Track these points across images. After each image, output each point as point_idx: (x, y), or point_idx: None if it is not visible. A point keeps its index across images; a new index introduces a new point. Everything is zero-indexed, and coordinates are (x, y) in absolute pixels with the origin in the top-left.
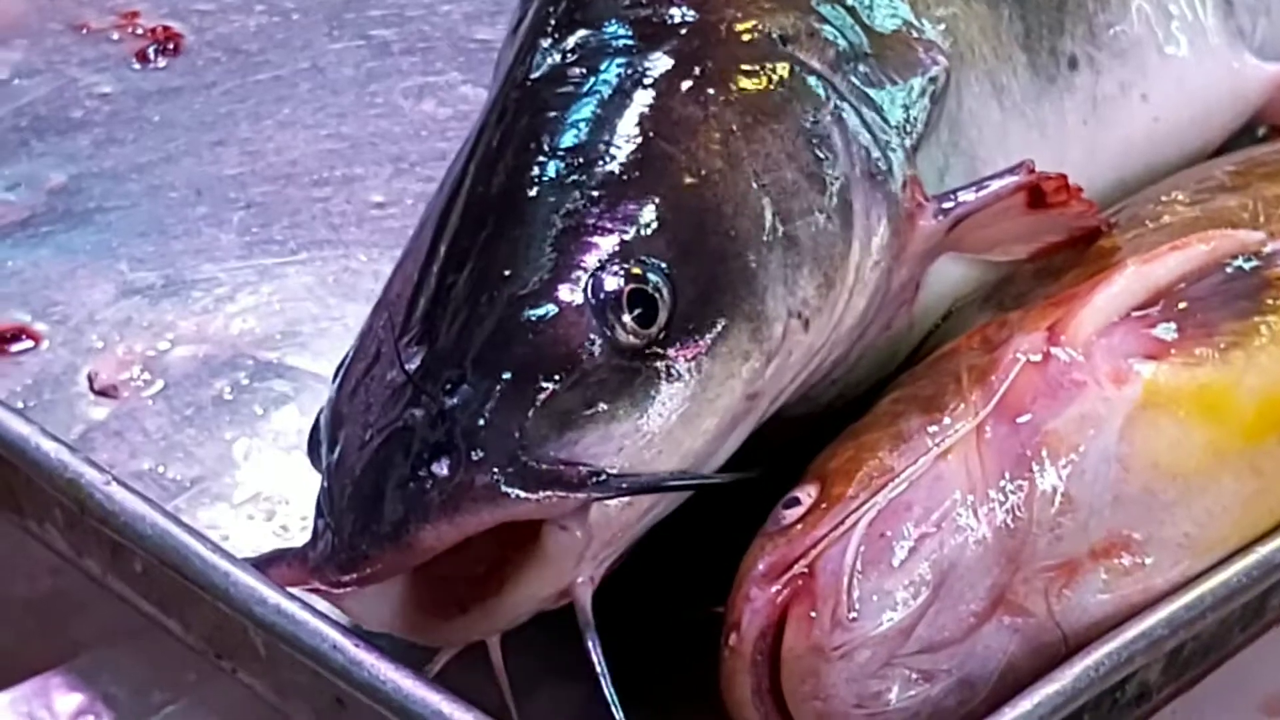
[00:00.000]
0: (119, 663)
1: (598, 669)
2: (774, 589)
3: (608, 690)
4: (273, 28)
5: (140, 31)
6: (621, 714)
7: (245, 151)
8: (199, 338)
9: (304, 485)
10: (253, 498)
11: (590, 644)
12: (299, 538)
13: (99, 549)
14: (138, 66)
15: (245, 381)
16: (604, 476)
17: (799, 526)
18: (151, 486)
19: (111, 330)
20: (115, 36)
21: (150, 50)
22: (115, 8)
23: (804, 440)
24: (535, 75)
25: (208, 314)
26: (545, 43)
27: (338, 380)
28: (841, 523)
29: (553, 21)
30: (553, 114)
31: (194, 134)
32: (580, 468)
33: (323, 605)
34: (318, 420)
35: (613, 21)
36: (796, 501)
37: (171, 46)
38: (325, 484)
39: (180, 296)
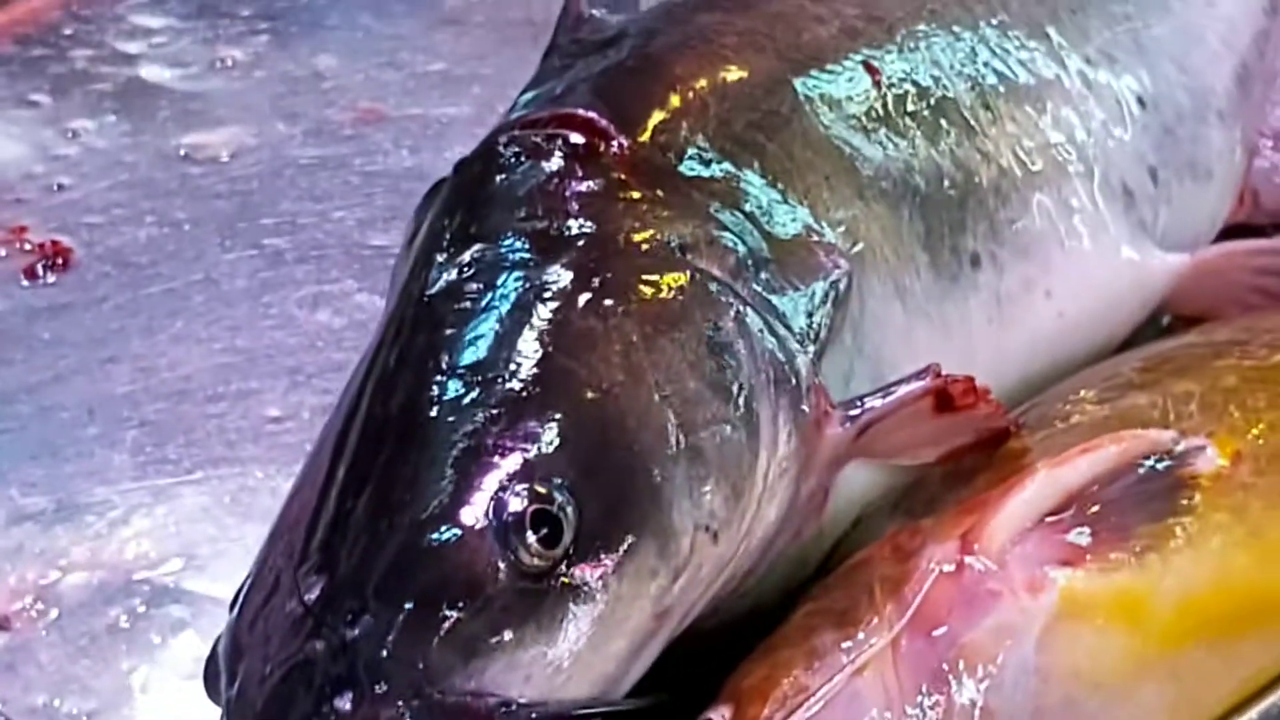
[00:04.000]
0: None
1: None
2: None
3: None
4: (164, 239)
5: (29, 247)
6: None
7: (138, 368)
8: (93, 564)
9: (205, 715)
10: None
11: None
12: None
13: None
14: (26, 283)
15: (141, 609)
16: (513, 706)
17: None
18: None
19: (3, 559)
20: (2, 253)
21: (39, 266)
22: (2, 223)
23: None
24: (431, 291)
25: (101, 539)
26: (440, 257)
27: (236, 609)
28: None
29: (448, 235)
30: (450, 331)
31: (85, 351)
32: (487, 699)
33: None
34: (214, 650)
35: (509, 234)
36: None
37: (61, 261)
38: None
39: (73, 521)
